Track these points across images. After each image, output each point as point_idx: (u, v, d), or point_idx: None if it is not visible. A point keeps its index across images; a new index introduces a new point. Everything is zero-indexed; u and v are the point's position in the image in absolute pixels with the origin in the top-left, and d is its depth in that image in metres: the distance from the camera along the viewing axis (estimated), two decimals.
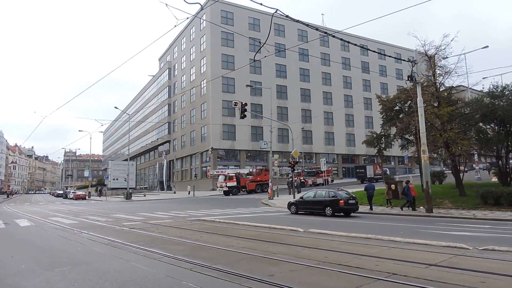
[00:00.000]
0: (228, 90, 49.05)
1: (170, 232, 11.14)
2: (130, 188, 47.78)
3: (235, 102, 22.12)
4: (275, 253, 7.66)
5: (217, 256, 7.53)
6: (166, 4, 11.02)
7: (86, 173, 70.30)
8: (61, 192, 75.58)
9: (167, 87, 63.71)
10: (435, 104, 19.99)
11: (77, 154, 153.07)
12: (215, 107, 48.22)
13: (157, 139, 66.29)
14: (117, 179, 59.83)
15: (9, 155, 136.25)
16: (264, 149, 37.57)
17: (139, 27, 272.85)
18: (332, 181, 44.52)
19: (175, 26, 11.59)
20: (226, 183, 37.65)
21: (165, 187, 58.67)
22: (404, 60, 16.74)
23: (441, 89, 20.63)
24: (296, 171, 41.91)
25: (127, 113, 64.05)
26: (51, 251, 8.72)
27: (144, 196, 48.43)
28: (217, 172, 43.53)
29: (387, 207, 18.68)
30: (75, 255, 7.92)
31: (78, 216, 18.27)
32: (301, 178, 40.75)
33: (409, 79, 16.47)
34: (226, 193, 37.66)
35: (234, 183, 37.39)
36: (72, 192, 58.79)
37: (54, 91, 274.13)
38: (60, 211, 23.44)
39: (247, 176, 39.83)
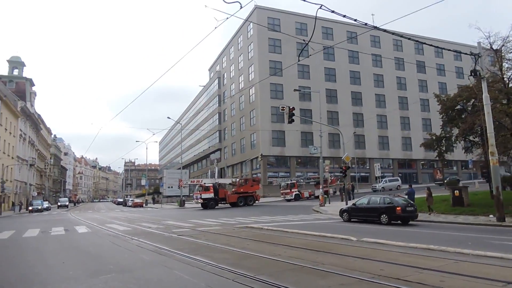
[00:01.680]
0: (277, 96, 48.84)
1: (216, 240, 10.98)
2: (183, 195, 49.09)
3: (282, 107, 21.75)
4: (324, 264, 7.09)
5: (262, 265, 7.14)
6: (205, 6, 10.99)
7: (144, 182, 73.52)
8: (121, 200, 79.70)
9: (217, 96, 64.98)
10: (504, 101, 18.08)
11: (135, 164, 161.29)
12: (264, 114, 48.20)
13: (209, 147, 67.65)
14: (171, 187, 61.84)
15: (76, 166, 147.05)
16: (314, 155, 36.07)
17: (190, 39, 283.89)
18: (335, 193, 40.45)
19: (215, 28, 11.51)
20: (201, 194, 34.81)
21: None
22: (465, 54, 15.22)
23: (510, 85, 18.63)
24: (290, 182, 40.26)
25: (180, 123, 66.14)
26: (100, 257, 8.86)
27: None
28: (192, 181, 42.42)
29: (429, 214, 17.66)
30: (121, 262, 7.93)
31: (132, 223, 18.83)
32: (296, 189, 38.40)
33: (472, 74, 14.98)
34: (202, 205, 34.55)
35: (211, 195, 34.45)
36: (131, 200, 61.65)
37: (109, 103, 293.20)
38: (117, 218, 24.46)
39: (231, 187, 37.72)
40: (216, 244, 9.97)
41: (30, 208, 44.88)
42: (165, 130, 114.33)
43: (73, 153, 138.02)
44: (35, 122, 67.30)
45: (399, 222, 15.37)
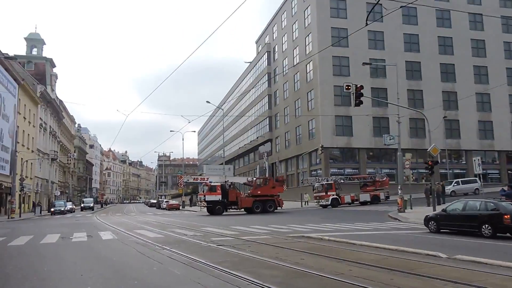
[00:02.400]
0: (341, 73, 47.97)
1: (264, 251, 10.93)
2: None
3: (347, 85, 21.19)
4: None
5: (319, 287, 6.92)
6: None
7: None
8: (155, 201, 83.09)
9: (267, 75, 65.09)
10: None
11: (171, 158, 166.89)
12: (325, 95, 47.65)
13: (257, 137, 68.23)
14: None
15: (103, 161, 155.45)
16: (390, 146, 34.80)
17: (231, 3, 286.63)
18: (387, 197, 39.29)
19: None
20: (205, 196, 34.94)
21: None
22: None
23: None
24: (327, 181, 38.73)
25: (221, 109, 67.18)
26: (124, 269, 9.14)
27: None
28: (195, 179, 40.95)
29: None
30: (148, 277, 8.11)
31: (164, 229, 19.43)
32: (333, 192, 37.40)
33: None
34: (208, 210, 35.17)
35: (218, 197, 34.53)
36: (165, 202, 64.04)
37: (137, 85, 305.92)
38: (148, 223, 25.40)
39: (247, 187, 36.98)
40: (263, 258, 9.91)
41: (52, 209, 48.18)
42: (204, 118, 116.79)
43: (100, 145, 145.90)
44: (57, 109, 71.81)
45: (507, 234, 14.39)
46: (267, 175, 58.77)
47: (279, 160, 58.89)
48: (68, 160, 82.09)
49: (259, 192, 35.27)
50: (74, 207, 60.12)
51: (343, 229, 17.78)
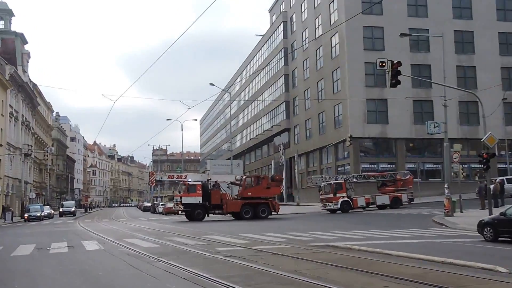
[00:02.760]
0: (374, 47, 47.75)
1: (280, 264, 10.94)
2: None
3: (381, 62, 20.99)
4: None
5: None
6: None
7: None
8: (149, 204, 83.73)
9: (282, 50, 64.92)
10: None
11: (167, 152, 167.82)
12: (354, 75, 47.50)
13: (271, 127, 68.26)
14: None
15: (87, 156, 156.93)
16: (434, 135, 34.48)
17: None
18: (411, 200, 39.24)
19: None
20: (181, 197, 35.32)
21: (284, 196, 59.97)
22: None
23: None
24: (335, 180, 38.71)
25: (228, 92, 67.25)
26: (112, 287, 9.18)
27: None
28: (170, 176, 40.00)
29: None
30: None
31: (161, 238, 19.56)
32: (343, 193, 37.45)
33: None
34: (187, 215, 35.64)
35: (198, 199, 34.72)
36: (162, 205, 64.37)
37: (126, 66, 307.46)
38: (141, 230, 25.60)
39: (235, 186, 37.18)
40: (278, 271, 9.91)
41: (25, 215, 48.80)
42: (207, 103, 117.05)
43: (83, 138, 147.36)
44: (30, 95, 72.62)
45: None
46: (283, 172, 58.93)
47: (298, 153, 58.83)
48: (44, 155, 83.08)
49: (249, 193, 35.16)
50: (53, 212, 60.84)
51: (376, 236, 17.72)
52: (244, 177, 39.08)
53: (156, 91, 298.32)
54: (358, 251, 13.23)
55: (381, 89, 46.34)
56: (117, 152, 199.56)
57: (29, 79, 74.26)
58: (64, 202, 71.68)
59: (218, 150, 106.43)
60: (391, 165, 47.65)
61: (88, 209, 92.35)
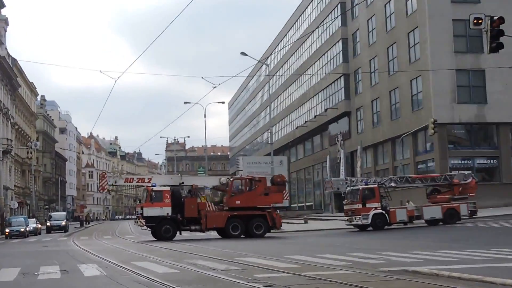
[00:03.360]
0: None
1: None
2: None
3: (476, 18, 20.58)
4: None
5: None
6: None
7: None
8: None
9: (339, 6, 64.59)
10: None
11: (186, 147, 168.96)
12: (439, 37, 47.15)
13: (325, 110, 67.93)
14: None
15: (82, 153, 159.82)
16: None
17: None
18: (474, 213, 38.32)
19: None
20: (142, 208, 35.06)
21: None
22: None
23: None
24: (365, 184, 37.68)
25: (266, 64, 67.18)
26: None
27: (305, 222, 50.17)
28: (128, 180, 39.57)
29: None
30: None
31: (180, 260, 19.68)
32: (377, 204, 36.16)
33: None
34: (153, 233, 35.37)
35: (166, 210, 34.21)
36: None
37: (130, 33, 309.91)
38: (153, 251, 25.85)
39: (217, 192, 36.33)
40: None
41: (6, 230, 50.03)
42: (237, 80, 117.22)
43: (75, 129, 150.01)
44: (8, 73, 74.39)
45: None
46: (341, 171, 58.56)
47: (362, 146, 58.36)
48: (28, 153, 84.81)
49: (238, 202, 34.98)
50: (40, 226, 62.03)
51: (473, 258, 17.28)
52: (231, 179, 38.54)
53: (169, 66, 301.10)
54: (448, 279, 12.93)
55: (476, 56, 45.91)
56: (120, 148, 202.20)
57: (7, 53, 75.91)
58: (52, 214, 72.25)
59: (253, 143, 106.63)
60: (491, 161, 47.16)
61: (84, 222, 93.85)
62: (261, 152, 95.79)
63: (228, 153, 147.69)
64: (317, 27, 70.80)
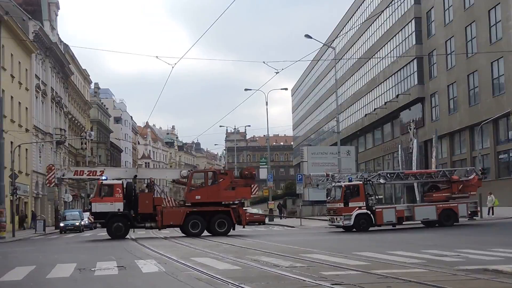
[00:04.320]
0: None
1: None
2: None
3: None
4: None
5: None
6: None
7: (263, 172, 76.94)
8: None
9: None
10: None
11: (246, 136, 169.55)
12: None
13: (397, 96, 67.28)
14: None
15: (137, 143, 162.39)
16: None
17: None
18: (474, 214, 37.53)
19: None
20: (91, 204, 34.71)
21: (417, 197, 58.97)
22: None
23: None
24: (349, 181, 36.41)
25: (332, 47, 66.86)
26: None
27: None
28: (78, 173, 37.90)
29: None
30: None
31: (242, 256, 19.86)
32: (362, 203, 35.13)
33: None
34: (108, 231, 34.26)
35: (117, 206, 33.66)
36: None
37: (182, 17, 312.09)
38: (214, 246, 26.10)
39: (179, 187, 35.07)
40: None
41: (61, 224, 51.26)
42: (301, 65, 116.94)
43: (131, 118, 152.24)
44: (61, 60, 76.07)
45: None
46: (414, 163, 57.87)
47: (437, 135, 57.55)
48: (82, 143, 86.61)
49: (198, 197, 34.66)
50: None
51: None
52: (190, 171, 37.87)
53: (229, 51, 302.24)
54: None
55: None
56: (177, 138, 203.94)
57: (59, 38, 77.54)
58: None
59: (318, 132, 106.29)
60: None
61: None
62: (327, 142, 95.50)
63: (292, 143, 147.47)
64: (387, 6, 70.07)
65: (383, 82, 72.23)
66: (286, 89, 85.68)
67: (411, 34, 63.95)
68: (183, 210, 34.68)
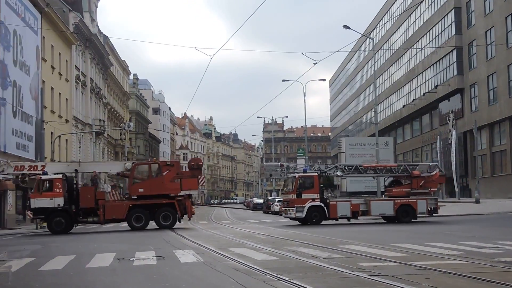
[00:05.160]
0: None
1: None
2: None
3: None
4: None
5: None
6: None
7: (301, 163, 76.98)
8: (261, 201, 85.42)
9: None
10: None
11: (285, 127, 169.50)
12: None
13: (436, 87, 66.74)
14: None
15: (176, 134, 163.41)
16: None
17: None
18: (434, 211, 36.14)
19: None
20: (29, 199, 33.99)
21: (456, 188, 58.53)
22: None
23: None
24: (302, 172, 35.52)
25: (371, 38, 66.51)
26: None
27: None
28: (19, 168, 36.09)
29: None
30: None
31: (279, 247, 19.94)
32: (316, 195, 34.20)
33: None
34: (49, 227, 33.43)
35: (57, 201, 32.84)
36: (278, 202, 65.51)
37: (221, 8, 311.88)
38: (251, 237, 26.31)
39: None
40: None
41: None
42: (339, 56, 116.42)
43: (169, 109, 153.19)
44: (100, 51, 76.90)
45: None
46: (452, 154, 57.42)
47: (476, 126, 57.01)
48: (121, 134, 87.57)
49: (141, 190, 34.07)
50: None
51: None
52: (132, 163, 36.89)
53: (267, 42, 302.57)
54: None
55: None
56: (215, 128, 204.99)
57: (99, 30, 78.38)
58: None
59: (356, 123, 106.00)
60: None
61: None
62: (364, 133, 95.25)
63: (329, 134, 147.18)
64: None
65: (422, 72, 71.79)
66: (324, 79, 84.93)
67: (451, 24, 63.40)
68: (126, 203, 34.22)
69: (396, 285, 11.29)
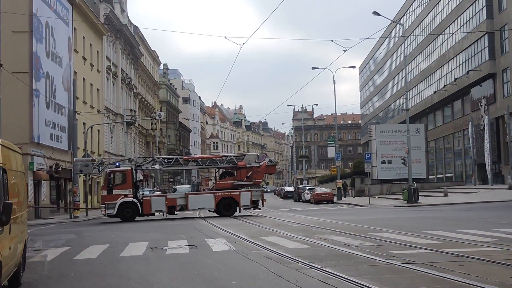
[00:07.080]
0: None
1: (489, 275, 10.75)
2: (415, 180, 49.18)
3: None
4: None
5: None
6: None
7: (331, 151, 76.82)
8: (291, 189, 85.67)
9: None
10: None
11: (314, 115, 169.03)
12: None
13: (467, 72, 66.00)
14: (389, 161, 63.04)
15: (206, 123, 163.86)
16: None
17: None
18: (258, 203, 36.20)
19: None
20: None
21: (489, 175, 57.94)
22: None
23: None
24: (115, 167, 35.10)
25: (401, 24, 65.92)
26: None
27: (445, 195, 49.31)
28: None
29: None
30: None
31: (311, 236, 19.99)
32: (128, 190, 34.15)
33: None
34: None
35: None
36: (309, 190, 65.55)
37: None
38: (282, 225, 26.42)
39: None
40: (487, 286, 9.73)
41: None
42: (369, 43, 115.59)
43: (199, 98, 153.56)
44: (131, 42, 77.35)
45: None
46: (485, 139, 56.76)
47: (509, 111, 56.25)
48: (152, 124, 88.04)
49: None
50: None
51: None
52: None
53: (297, 30, 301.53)
54: None
55: None
56: (245, 117, 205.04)
57: (129, 20, 78.90)
58: (176, 187, 73.88)
59: (386, 110, 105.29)
60: None
61: None
62: (395, 120, 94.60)
63: (360, 121, 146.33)
64: None
65: (453, 58, 70.90)
66: (354, 67, 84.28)
67: (482, 8, 62.45)
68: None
69: (430, 272, 11.29)
